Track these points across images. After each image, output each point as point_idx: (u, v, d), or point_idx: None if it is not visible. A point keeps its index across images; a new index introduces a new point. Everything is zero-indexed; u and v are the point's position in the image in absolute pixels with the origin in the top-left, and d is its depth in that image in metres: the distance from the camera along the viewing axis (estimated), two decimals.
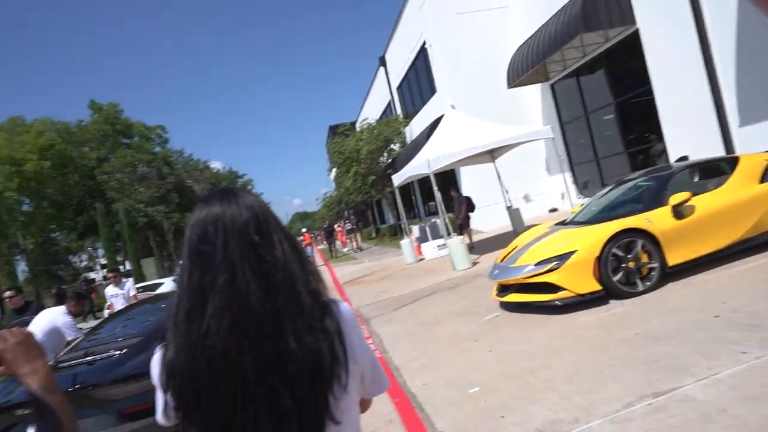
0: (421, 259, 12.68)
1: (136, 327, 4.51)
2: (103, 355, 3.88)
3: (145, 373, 3.51)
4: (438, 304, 7.01)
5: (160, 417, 1.02)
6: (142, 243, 31.05)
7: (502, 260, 5.89)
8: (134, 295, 7.80)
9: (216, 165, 48.65)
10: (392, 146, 20.93)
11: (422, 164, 9.99)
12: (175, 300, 0.96)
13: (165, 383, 0.93)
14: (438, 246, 12.41)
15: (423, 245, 13.05)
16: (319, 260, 21.81)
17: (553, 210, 14.90)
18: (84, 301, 5.40)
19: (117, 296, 7.68)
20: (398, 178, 12.01)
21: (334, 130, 32.21)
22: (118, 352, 3.86)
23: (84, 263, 38.38)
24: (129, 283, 7.98)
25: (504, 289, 5.60)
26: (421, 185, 20.73)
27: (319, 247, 28.94)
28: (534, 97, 15.35)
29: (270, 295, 0.91)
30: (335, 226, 25.21)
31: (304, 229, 27.16)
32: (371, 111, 26.69)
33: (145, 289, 15.47)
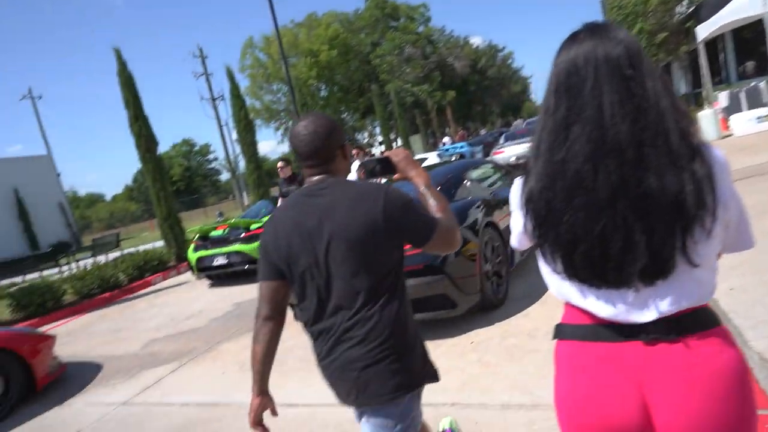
0: (728, 135, 9.92)
1: None
2: None
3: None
4: (762, 189, 5.33)
5: (515, 241, 1.19)
6: (410, 121, 33.88)
7: None
8: None
9: (475, 40, 47.39)
10: None
11: (750, 2, 7.23)
12: (536, 136, 1.02)
13: (525, 207, 1.03)
14: (758, 118, 9.39)
15: (732, 117, 10.08)
16: None
17: None
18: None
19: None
20: (706, 29, 9.19)
21: None
22: None
23: (366, 140, 44.71)
24: None
25: None
26: (736, 38, 15.62)
27: None
28: None
29: (635, 128, 0.90)
30: None
31: None
32: None
33: None
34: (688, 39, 11.40)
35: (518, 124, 29.58)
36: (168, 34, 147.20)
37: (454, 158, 16.86)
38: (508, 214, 4.78)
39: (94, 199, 69.44)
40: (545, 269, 1.07)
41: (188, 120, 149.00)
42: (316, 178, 1.47)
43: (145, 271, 9.06)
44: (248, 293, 6.52)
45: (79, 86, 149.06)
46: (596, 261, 0.94)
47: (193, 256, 7.59)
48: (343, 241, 1.36)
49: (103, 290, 8.24)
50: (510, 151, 14.10)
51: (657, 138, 0.89)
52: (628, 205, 0.90)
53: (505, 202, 5.11)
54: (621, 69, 0.92)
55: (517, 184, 1.09)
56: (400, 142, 30.85)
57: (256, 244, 7.04)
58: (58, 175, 28.37)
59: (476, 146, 20.10)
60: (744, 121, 9.68)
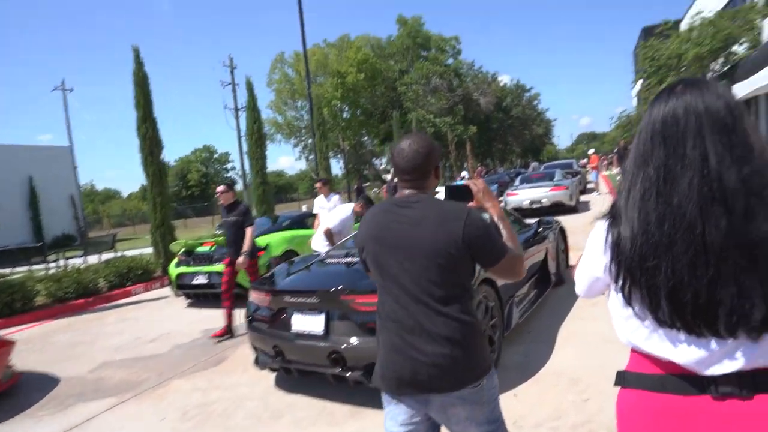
0: None
1: None
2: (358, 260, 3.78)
3: None
4: None
5: (583, 288, 1.23)
6: None
7: None
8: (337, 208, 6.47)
9: (503, 78, 47.41)
10: (734, 48, 15.63)
11: None
12: (626, 180, 1.05)
13: (612, 249, 1.04)
14: None
15: None
16: (603, 187, 19.14)
17: None
18: (369, 206, 5.54)
19: (322, 209, 6.83)
20: (745, 88, 8.67)
21: (648, 32, 26.40)
22: None
23: (383, 166, 44.53)
24: (336, 198, 6.99)
25: None
26: None
27: (604, 173, 25.41)
28: None
29: (741, 177, 0.92)
30: (630, 148, 21.33)
31: (591, 150, 24.08)
32: (709, 0, 20.40)
33: None
34: None
35: (535, 166, 28.94)
36: (205, 43, 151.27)
37: None
38: None
39: (111, 195, 70.23)
40: (622, 312, 1.07)
41: (213, 128, 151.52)
42: (408, 191, 1.65)
43: (127, 280, 8.62)
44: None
45: (114, 84, 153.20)
46: (702, 307, 0.92)
47: (174, 270, 7.15)
48: (424, 249, 1.53)
49: (79, 296, 7.81)
50: (524, 195, 13.58)
51: (764, 188, 0.90)
52: (739, 253, 0.89)
53: None
54: (723, 120, 0.94)
55: (601, 227, 1.11)
56: None
57: None
58: (75, 167, 28.57)
59: (491, 185, 19.59)
60: None
